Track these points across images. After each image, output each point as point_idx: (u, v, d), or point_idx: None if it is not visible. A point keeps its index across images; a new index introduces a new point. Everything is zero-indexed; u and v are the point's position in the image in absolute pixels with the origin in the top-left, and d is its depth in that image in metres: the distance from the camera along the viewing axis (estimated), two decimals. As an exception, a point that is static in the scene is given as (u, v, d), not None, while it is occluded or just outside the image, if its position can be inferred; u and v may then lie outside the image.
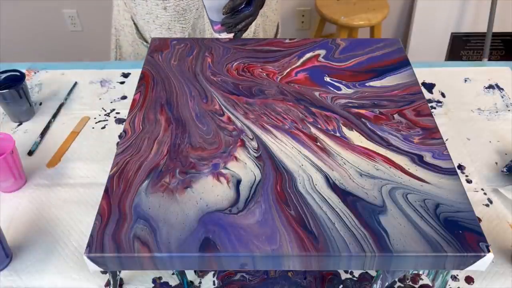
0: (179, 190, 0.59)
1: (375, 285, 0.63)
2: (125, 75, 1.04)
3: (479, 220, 0.75)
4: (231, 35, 0.85)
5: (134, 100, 0.73)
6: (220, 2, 0.79)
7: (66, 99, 0.98)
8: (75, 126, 0.92)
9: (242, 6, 0.82)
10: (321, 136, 0.66)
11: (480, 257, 0.53)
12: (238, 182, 0.60)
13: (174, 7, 1.00)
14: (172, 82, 0.76)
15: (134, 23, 1.08)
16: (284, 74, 0.78)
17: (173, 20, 1.02)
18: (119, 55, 1.18)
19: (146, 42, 1.10)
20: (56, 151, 0.87)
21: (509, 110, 0.94)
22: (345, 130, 0.67)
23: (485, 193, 0.79)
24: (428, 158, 0.63)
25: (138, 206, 0.57)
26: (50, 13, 2.26)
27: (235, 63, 0.80)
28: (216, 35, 0.85)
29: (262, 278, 0.69)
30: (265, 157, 0.63)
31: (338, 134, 0.66)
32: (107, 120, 0.93)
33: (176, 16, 1.02)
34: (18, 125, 0.93)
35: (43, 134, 0.91)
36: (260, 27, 1.10)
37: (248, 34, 1.07)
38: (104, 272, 0.69)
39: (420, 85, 0.80)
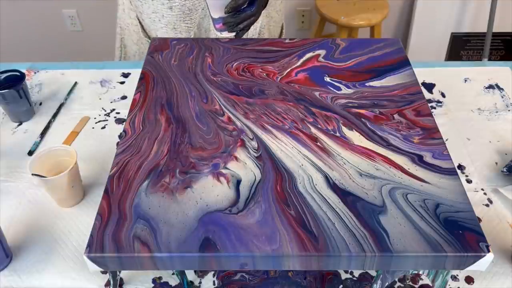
0: (179, 190, 0.59)
1: (375, 285, 0.63)
2: (125, 75, 1.04)
3: (479, 220, 0.75)
4: (232, 34, 0.85)
5: (134, 100, 0.73)
6: (222, 1, 0.79)
7: (66, 99, 0.98)
8: (75, 126, 0.92)
9: (245, 6, 0.81)
10: (321, 136, 0.66)
11: (480, 257, 0.53)
12: (238, 182, 0.60)
13: (180, 6, 1.00)
14: (172, 82, 0.76)
15: (140, 22, 1.08)
16: (284, 74, 0.78)
17: (178, 19, 1.02)
18: (124, 54, 1.18)
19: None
20: (56, 151, 0.87)
21: (509, 110, 0.94)
22: (345, 130, 0.67)
23: (485, 193, 0.79)
24: (428, 158, 0.63)
25: (138, 206, 0.57)
26: (50, 13, 2.26)
27: (235, 63, 0.80)
28: (218, 34, 0.85)
29: (262, 278, 0.69)
30: (265, 157, 0.63)
31: (338, 134, 0.66)
32: (107, 120, 0.93)
33: (182, 16, 1.02)
34: (18, 125, 0.93)
35: (43, 134, 0.91)
36: (265, 28, 1.10)
37: (253, 34, 1.07)
38: (104, 272, 0.69)
39: (420, 85, 0.80)
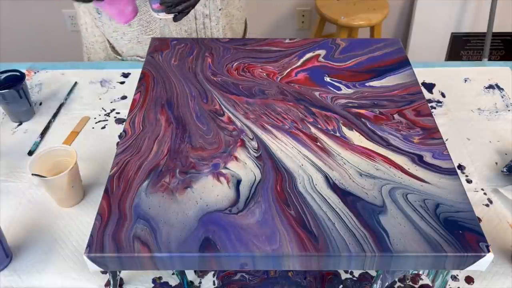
0: (179, 190, 0.59)
1: (375, 285, 0.63)
2: (125, 75, 1.04)
3: (479, 220, 0.75)
4: (170, 16, 0.83)
5: (134, 100, 0.73)
6: None
7: (66, 99, 0.98)
8: (75, 126, 0.92)
9: None
10: (321, 136, 0.66)
11: (480, 257, 0.53)
12: (238, 182, 0.60)
13: (137, 21, 1.00)
14: (172, 82, 0.76)
15: (106, 38, 1.08)
16: (284, 74, 0.78)
17: (140, 33, 1.03)
18: None
19: (121, 56, 1.10)
20: (56, 151, 0.87)
21: (509, 110, 0.94)
22: (345, 130, 0.67)
23: (485, 193, 0.79)
24: (428, 158, 0.63)
25: (138, 206, 0.57)
26: (50, 13, 2.26)
27: (235, 63, 0.80)
28: (154, 14, 0.83)
29: (262, 278, 0.69)
30: (265, 157, 0.63)
31: (338, 134, 0.66)
32: (107, 120, 0.93)
33: (142, 29, 1.02)
34: (18, 125, 0.93)
35: (43, 134, 0.90)
36: (227, 27, 1.09)
37: (217, 35, 1.07)
38: (104, 272, 0.69)
39: (420, 85, 0.80)
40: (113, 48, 1.10)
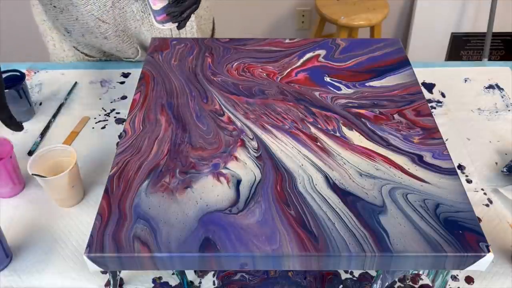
0: (179, 190, 0.59)
1: (375, 285, 0.63)
2: (125, 75, 1.04)
3: (479, 220, 0.75)
4: (174, 25, 0.82)
5: (134, 100, 0.73)
6: None
7: (66, 99, 0.98)
8: (75, 126, 0.92)
9: None
10: (321, 136, 0.66)
11: (480, 257, 0.53)
12: (238, 182, 0.60)
13: (113, 33, 0.98)
14: (172, 82, 0.76)
15: (79, 51, 1.07)
16: (284, 74, 0.78)
17: (118, 43, 1.01)
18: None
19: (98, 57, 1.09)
20: (56, 151, 0.87)
21: (509, 110, 0.94)
22: (345, 130, 0.67)
23: (485, 193, 0.79)
24: (428, 158, 0.63)
25: (138, 206, 0.57)
26: (50, 13, 2.26)
27: (235, 63, 0.80)
28: (159, 26, 0.83)
29: (262, 278, 0.69)
30: (265, 157, 0.63)
31: (338, 134, 0.66)
32: (107, 120, 0.93)
33: (119, 39, 1.00)
34: (18, 125, 0.93)
35: (43, 134, 0.91)
36: (194, 28, 1.09)
37: (186, 34, 1.06)
38: (104, 272, 0.69)
39: (420, 85, 0.80)
40: (90, 56, 1.09)
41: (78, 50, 1.07)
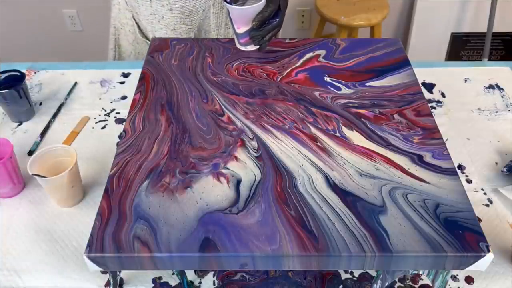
0: (179, 190, 0.59)
1: (375, 285, 0.63)
2: (125, 75, 1.04)
3: (479, 220, 0.75)
4: (256, 47, 0.82)
5: (134, 100, 0.73)
6: (247, 16, 0.77)
7: (66, 99, 0.98)
8: (75, 126, 0.92)
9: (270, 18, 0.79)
10: (321, 136, 0.66)
11: (480, 257, 0.53)
12: (238, 182, 0.60)
13: (180, 8, 0.99)
14: (173, 82, 0.76)
15: (136, 22, 1.08)
16: (284, 74, 0.78)
17: (179, 21, 1.02)
18: (118, 55, 1.17)
19: (149, 40, 1.09)
20: (56, 151, 0.87)
21: (509, 110, 0.94)
22: (345, 130, 0.67)
23: (485, 193, 0.79)
24: (428, 158, 0.63)
25: (138, 206, 0.57)
26: (50, 13, 2.26)
27: (235, 63, 0.80)
28: (242, 48, 0.83)
29: (262, 278, 0.69)
30: (265, 157, 0.63)
31: (338, 134, 0.66)
32: (107, 120, 0.93)
33: (182, 17, 1.01)
34: (18, 125, 0.93)
35: (43, 134, 0.91)
36: None
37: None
38: (104, 272, 0.69)
39: (420, 85, 0.80)
40: (141, 32, 1.09)
41: (136, 23, 1.07)
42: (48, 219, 0.76)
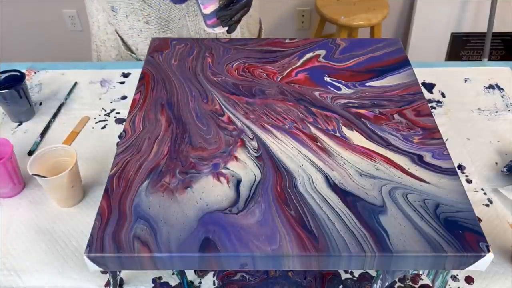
0: (179, 190, 0.59)
1: (375, 285, 0.63)
2: (125, 75, 1.04)
3: (479, 220, 0.75)
4: (224, 29, 0.82)
5: (134, 100, 0.73)
6: None
7: (66, 99, 0.98)
8: (75, 126, 0.92)
9: None
10: (321, 136, 0.66)
11: (480, 257, 0.53)
12: (238, 182, 0.60)
13: (156, 20, 0.99)
14: (173, 82, 0.76)
15: (120, 35, 1.08)
16: (284, 74, 0.78)
17: (157, 32, 1.02)
18: None
19: (134, 53, 1.09)
20: (56, 151, 0.87)
21: (509, 110, 0.94)
22: (345, 130, 0.67)
23: (485, 193, 0.79)
24: (428, 158, 0.63)
25: (138, 206, 0.57)
26: (50, 13, 2.26)
27: (235, 63, 0.80)
28: (209, 30, 0.83)
29: (262, 278, 0.69)
30: (265, 157, 0.63)
31: (338, 134, 0.66)
32: (107, 120, 0.94)
33: (160, 28, 1.01)
34: (18, 125, 0.93)
35: (43, 134, 0.91)
36: (245, 28, 1.09)
37: (236, 35, 1.07)
38: (104, 272, 0.69)
39: (420, 85, 0.80)
40: (126, 45, 1.09)
41: (119, 35, 1.08)
42: (48, 219, 0.76)
